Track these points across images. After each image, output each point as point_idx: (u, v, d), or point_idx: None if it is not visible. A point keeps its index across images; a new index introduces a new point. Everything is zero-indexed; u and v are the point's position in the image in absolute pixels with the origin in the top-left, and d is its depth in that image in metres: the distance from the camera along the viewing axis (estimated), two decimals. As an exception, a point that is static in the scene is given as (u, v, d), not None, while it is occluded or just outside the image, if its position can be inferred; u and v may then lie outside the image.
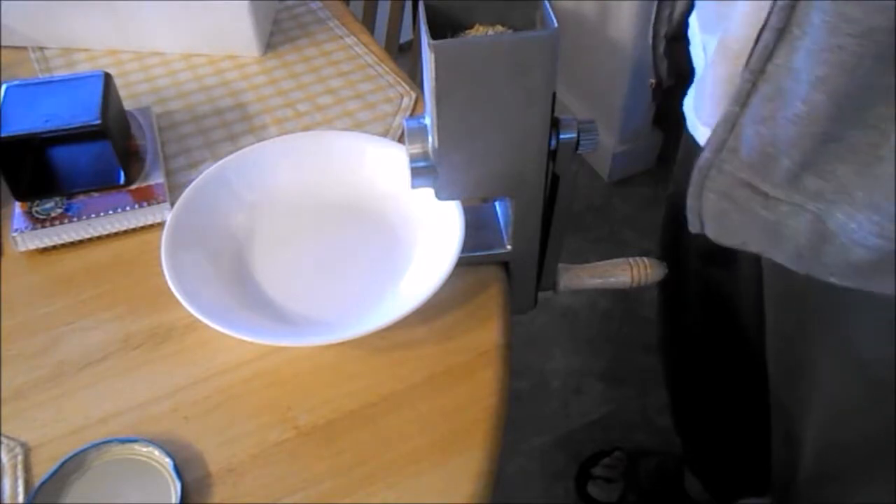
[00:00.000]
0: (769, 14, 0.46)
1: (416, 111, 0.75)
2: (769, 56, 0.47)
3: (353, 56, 0.82)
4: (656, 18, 0.68)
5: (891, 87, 0.43)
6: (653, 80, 0.73)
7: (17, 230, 0.61)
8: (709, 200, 0.55)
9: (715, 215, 0.56)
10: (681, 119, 0.68)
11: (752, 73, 0.48)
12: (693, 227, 0.58)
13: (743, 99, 0.50)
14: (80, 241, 0.63)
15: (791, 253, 0.53)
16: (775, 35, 0.46)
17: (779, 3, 0.45)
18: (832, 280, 0.52)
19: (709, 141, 0.53)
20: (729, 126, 0.51)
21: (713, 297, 0.85)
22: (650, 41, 0.70)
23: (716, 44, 0.56)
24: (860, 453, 0.69)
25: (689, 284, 0.87)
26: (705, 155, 0.54)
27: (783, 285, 0.65)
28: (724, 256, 0.77)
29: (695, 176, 0.55)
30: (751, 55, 0.48)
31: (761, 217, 0.53)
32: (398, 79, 0.78)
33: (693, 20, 0.65)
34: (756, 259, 0.68)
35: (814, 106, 0.46)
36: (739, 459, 1.02)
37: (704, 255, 0.82)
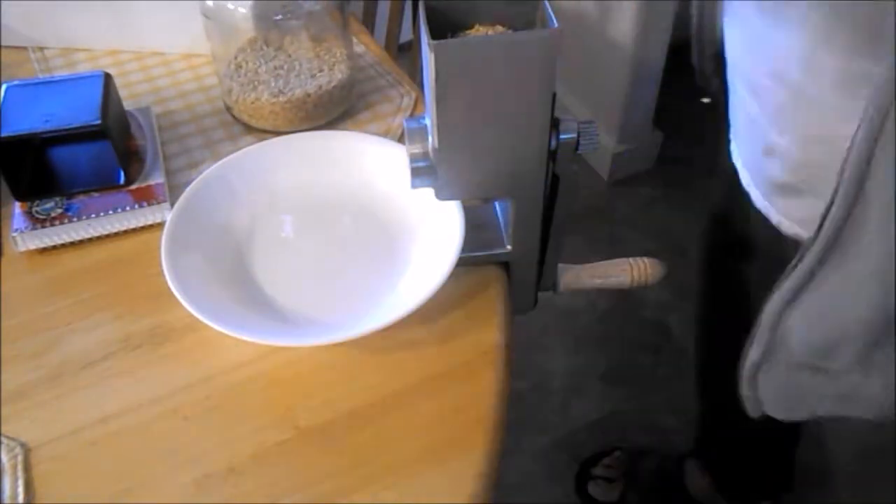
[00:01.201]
0: (821, 222, 0.46)
1: (416, 111, 0.75)
2: (821, 260, 0.47)
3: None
4: (697, 37, 0.67)
5: None
6: (706, 99, 0.73)
7: (17, 230, 0.61)
8: (766, 390, 0.54)
9: (775, 399, 0.54)
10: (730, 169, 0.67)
11: (802, 275, 0.48)
12: (753, 413, 0.56)
13: (791, 296, 0.49)
14: (80, 241, 0.63)
15: (868, 410, 0.51)
16: (826, 244, 0.46)
17: (831, 214, 0.45)
18: None
19: (754, 341, 0.52)
20: (775, 324, 0.51)
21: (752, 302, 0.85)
22: (695, 60, 0.69)
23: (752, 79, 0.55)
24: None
25: (729, 287, 0.87)
26: (752, 357, 0.53)
27: None
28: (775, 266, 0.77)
29: (745, 371, 0.54)
30: (799, 259, 0.48)
31: (829, 390, 0.51)
32: (398, 79, 0.78)
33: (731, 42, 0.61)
34: None
35: (876, 303, 0.46)
36: (761, 462, 1.02)
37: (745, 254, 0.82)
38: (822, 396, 0.52)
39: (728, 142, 0.69)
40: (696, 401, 1.10)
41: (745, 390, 0.56)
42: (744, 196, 0.64)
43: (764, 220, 0.63)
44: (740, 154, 0.65)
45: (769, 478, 1.01)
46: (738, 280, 0.83)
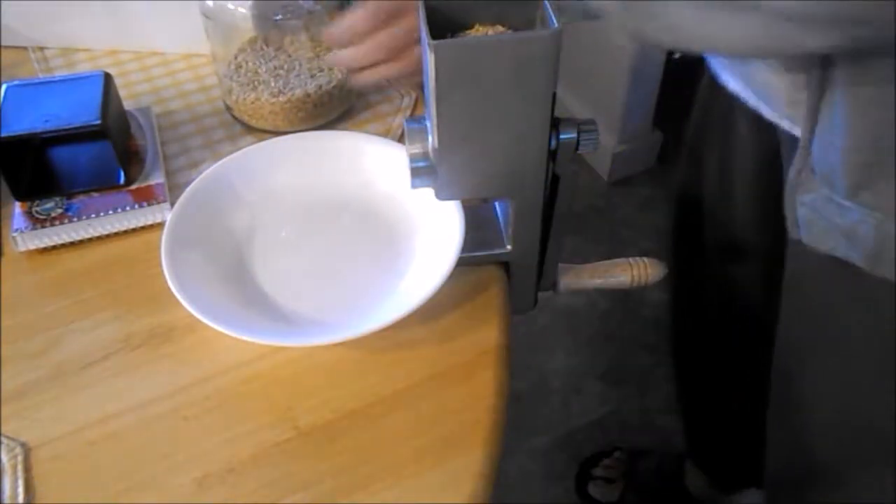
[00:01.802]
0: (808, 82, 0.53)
1: (416, 111, 0.75)
2: (821, 98, 0.53)
3: (353, 56, 0.82)
4: None
5: None
6: (677, 55, 0.75)
7: (17, 230, 0.61)
8: (799, 211, 0.60)
9: (805, 224, 0.60)
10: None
11: (809, 110, 0.54)
12: (792, 234, 0.62)
13: (811, 126, 0.56)
14: (80, 241, 0.63)
15: (866, 255, 0.57)
16: (818, 90, 0.53)
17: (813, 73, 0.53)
18: None
19: (793, 162, 0.59)
20: (806, 150, 0.57)
21: (727, 291, 0.86)
22: None
23: None
24: (873, 444, 0.70)
25: (702, 276, 0.88)
26: (790, 176, 0.59)
27: (804, 267, 0.67)
28: (740, 251, 0.78)
29: (787, 188, 0.60)
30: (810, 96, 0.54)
31: (838, 224, 0.57)
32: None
33: None
34: (771, 253, 0.71)
35: (858, 138, 0.52)
36: (744, 449, 1.03)
37: (720, 249, 0.83)
38: (835, 229, 0.58)
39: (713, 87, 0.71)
40: (675, 388, 1.12)
41: (787, 209, 0.61)
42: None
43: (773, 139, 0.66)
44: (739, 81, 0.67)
45: (755, 466, 1.02)
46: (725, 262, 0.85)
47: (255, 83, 0.69)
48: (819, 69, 0.52)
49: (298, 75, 0.70)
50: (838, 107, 0.53)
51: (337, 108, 0.73)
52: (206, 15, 0.69)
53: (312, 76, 0.70)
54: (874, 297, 0.60)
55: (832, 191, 0.56)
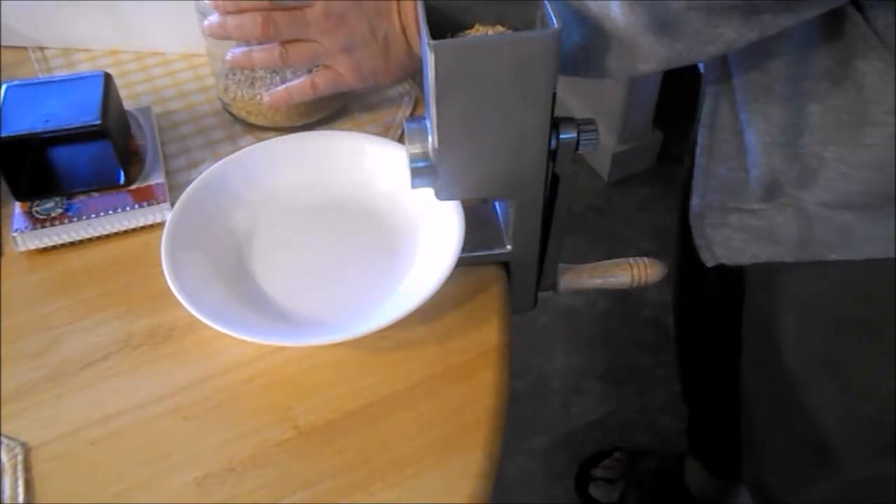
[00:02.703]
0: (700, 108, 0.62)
1: (416, 111, 0.75)
2: (713, 125, 0.61)
3: (353, 56, 0.82)
4: None
5: (812, 115, 0.54)
6: None
7: (17, 230, 0.61)
8: (712, 235, 0.64)
9: (721, 244, 0.64)
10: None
11: (705, 137, 0.61)
12: (708, 262, 0.66)
13: (706, 152, 0.62)
14: (80, 241, 0.63)
15: (793, 246, 0.60)
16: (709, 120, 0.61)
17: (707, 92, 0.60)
18: (833, 257, 0.59)
19: (693, 190, 0.64)
20: (703, 174, 0.62)
21: (732, 280, 0.87)
22: None
23: None
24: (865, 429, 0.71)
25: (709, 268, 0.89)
26: (695, 201, 0.64)
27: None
28: None
29: (693, 221, 0.65)
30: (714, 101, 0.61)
31: (756, 227, 0.60)
32: (398, 79, 0.78)
33: None
34: None
35: (769, 150, 0.56)
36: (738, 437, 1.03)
37: None
38: (752, 235, 0.61)
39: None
40: (677, 378, 1.12)
41: (697, 240, 0.65)
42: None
43: None
44: None
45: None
46: None
47: (253, 80, 0.69)
48: (711, 98, 0.58)
49: (295, 70, 0.70)
50: (745, 126, 0.56)
51: (335, 103, 0.73)
52: (201, 12, 0.69)
53: (309, 70, 0.70)
54: (808, 279, 0.63)
55: (741, 200, 0.60)
